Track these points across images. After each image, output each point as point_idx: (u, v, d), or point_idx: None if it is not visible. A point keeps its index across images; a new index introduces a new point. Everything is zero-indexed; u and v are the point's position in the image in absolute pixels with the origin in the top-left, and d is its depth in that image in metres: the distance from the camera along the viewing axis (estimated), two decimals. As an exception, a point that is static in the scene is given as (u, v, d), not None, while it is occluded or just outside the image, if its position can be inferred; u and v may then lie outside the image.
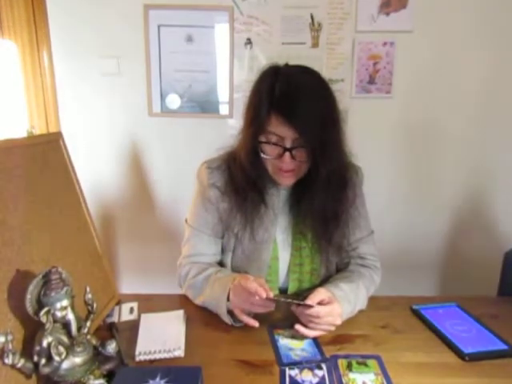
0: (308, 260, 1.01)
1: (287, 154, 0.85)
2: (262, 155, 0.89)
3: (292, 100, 0.83)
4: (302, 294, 0.90)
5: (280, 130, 0.85)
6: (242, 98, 1.87)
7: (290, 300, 0.87)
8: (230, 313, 0.88)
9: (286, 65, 0.91)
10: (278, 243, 1.01)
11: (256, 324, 0.83)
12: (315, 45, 1.81)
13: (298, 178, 0.93)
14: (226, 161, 1.00)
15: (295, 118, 0.83)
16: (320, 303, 0.83)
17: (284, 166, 0.88)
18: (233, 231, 0.99)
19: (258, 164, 0.91)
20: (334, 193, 0.93)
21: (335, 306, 0.83)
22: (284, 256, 1.02)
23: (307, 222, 0.97)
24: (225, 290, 0.88)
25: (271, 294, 0.81)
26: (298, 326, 0.82)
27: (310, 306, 0.81)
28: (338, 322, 0.85)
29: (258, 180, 0.94)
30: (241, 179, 0.94)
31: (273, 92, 0.84)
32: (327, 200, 0.92)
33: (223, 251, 1.05)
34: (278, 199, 0.99)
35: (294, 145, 0.85)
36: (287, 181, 0.92)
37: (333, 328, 0.85)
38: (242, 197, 0.95)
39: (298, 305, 0.84)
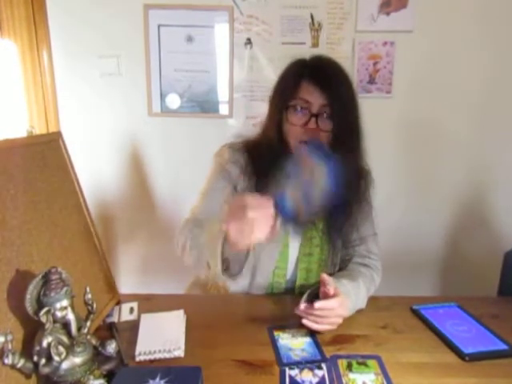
0: (318, 250, 1.03)
1: (313, 119, 0.90)
2: (288, 123, 0.93)
3: (322, 69, 0.92)
4: (309, 291, 0.91)
5: (309, 95, 0.90)
6: (242, 97, 1.87)
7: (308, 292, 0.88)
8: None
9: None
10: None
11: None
12: (315, 45, 1.81)
13: None
14: (245, 146, 1.03)
15: (325, 84, 0.90)
16: (327, 294, 0.83)
17: (307, 134, 0.91)
18: None
19: (282, 139, 0.94)
20: (349, 182, 0.95)
21: (343, 296, 0.84)
22: (294, 244, 1.03)
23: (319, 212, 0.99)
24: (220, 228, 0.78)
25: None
26: (305, 321, 0.82)
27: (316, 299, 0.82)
28: (346, 313, 0.86)
29: (279, 160, 0.96)
30: (260, 161, 0.96)
31: (303, 65, 0.94)
32: (342, 189, 0.94)
33: None
34: None
35: (319, 111, 0.90)
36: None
37: (340, 320, 0.85)
38: (259, 179, 0.97)
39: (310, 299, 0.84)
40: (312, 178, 0.73)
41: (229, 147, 1.03)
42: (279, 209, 0.70)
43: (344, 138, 0.91)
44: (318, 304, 0.79)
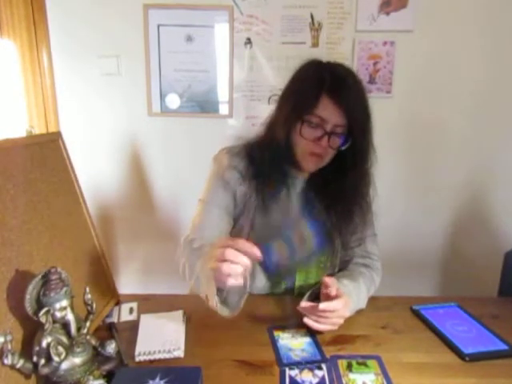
0: None
1: (326, 137, 0.89)
2: (298, 135, 0.91)
3: (344, 87, 0.88)
4: (311, 291, 0.91)
5: (327, 114, 0.88)
6: (242, 97, 1.87)
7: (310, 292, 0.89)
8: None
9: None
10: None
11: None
12: (315, 44, 1.81)
13: (320, 166, 0.96)
14: (245, 148, 1.02)
15: (345, 106, 0.87)
16: (328, 296, 0.83)
17: (318, 149, 0.91)
18: (248, 216, 0.99)
19: (287, 144, 0.94)
20: (354, 187, 0.96)
21: (346, 297, 0.84)
22: None
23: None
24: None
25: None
26: (306, 320, 0.82)
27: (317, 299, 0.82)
28: (347, 314, 0.85)
29: (283, 163, 0.96)
30: (262, 163, 0.96)
31: (322, 77, 0.88)
32: (344, 193, 0.95)
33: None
34: (293, 188, 1.01)
35: (333, 130, 0.89)
36: (313, 166, 0.95)
37: (341, 321, 0.84)
38: (261, 181, 0.96)
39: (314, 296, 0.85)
40: (302, 243, 0.79)
41: (227, 152, 1.02)
42: (263, 260, 0.71)
43: (353, 159, 0.92)
44: (322, 305, 0.79)
